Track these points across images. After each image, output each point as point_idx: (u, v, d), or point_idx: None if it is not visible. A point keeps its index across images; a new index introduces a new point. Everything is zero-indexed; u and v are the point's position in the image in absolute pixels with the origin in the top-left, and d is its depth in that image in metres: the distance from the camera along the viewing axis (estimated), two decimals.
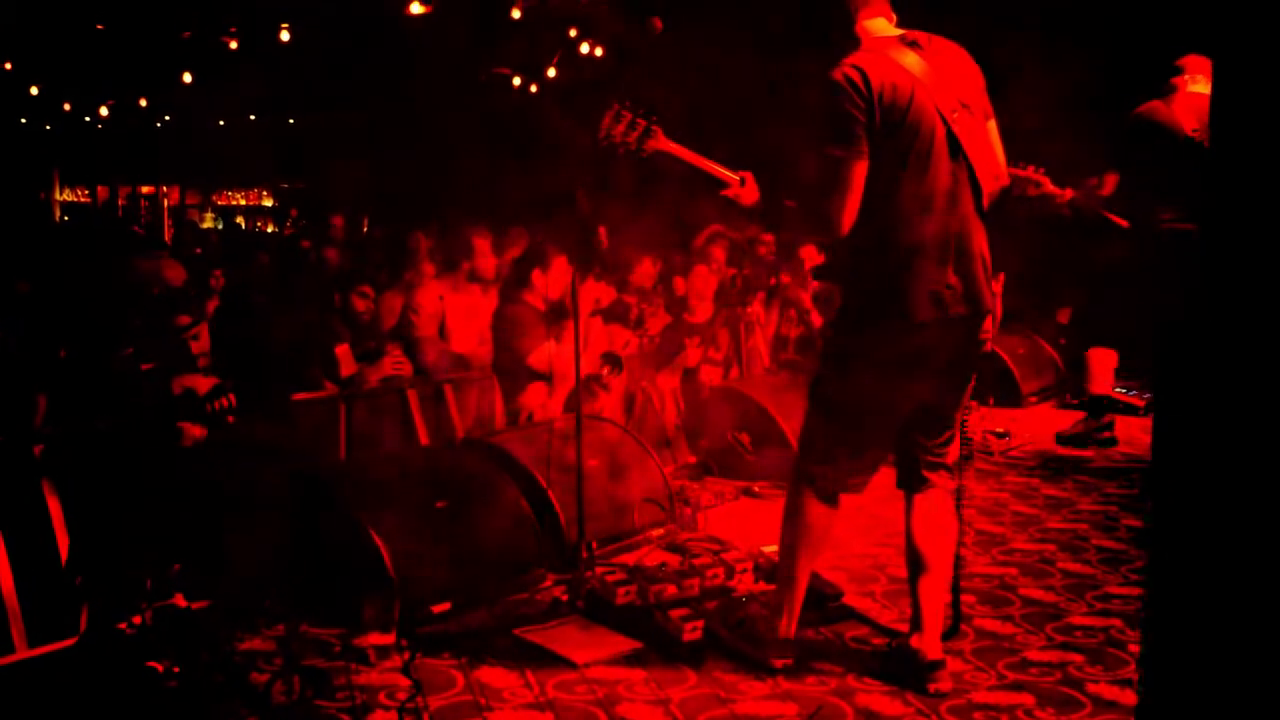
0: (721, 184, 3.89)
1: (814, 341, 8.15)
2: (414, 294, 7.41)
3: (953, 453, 4.04)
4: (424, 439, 6.76)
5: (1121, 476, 6.54)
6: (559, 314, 6.67)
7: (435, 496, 4.65)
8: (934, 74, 3.65)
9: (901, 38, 3.71)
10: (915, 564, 3.98)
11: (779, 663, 3.96)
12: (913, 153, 3.60)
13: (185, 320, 5.00)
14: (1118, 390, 8.59)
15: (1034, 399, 8.62)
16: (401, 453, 5.89)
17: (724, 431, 6.55)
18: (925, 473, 4.01)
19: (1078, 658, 4.08)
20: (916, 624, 3.94)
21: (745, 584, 4.52)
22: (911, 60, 3.64)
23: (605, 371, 6.73)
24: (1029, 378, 8.68)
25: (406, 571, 4.31)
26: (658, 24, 4.29)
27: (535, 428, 5.57)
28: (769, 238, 9.41)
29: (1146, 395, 8.42)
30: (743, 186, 3.87)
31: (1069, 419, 7.97)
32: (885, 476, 6.53)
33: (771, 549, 4.77)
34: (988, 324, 3.78)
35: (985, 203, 3.75)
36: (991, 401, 8.49)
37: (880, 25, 3.75)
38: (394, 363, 6.82)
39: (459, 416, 7.25)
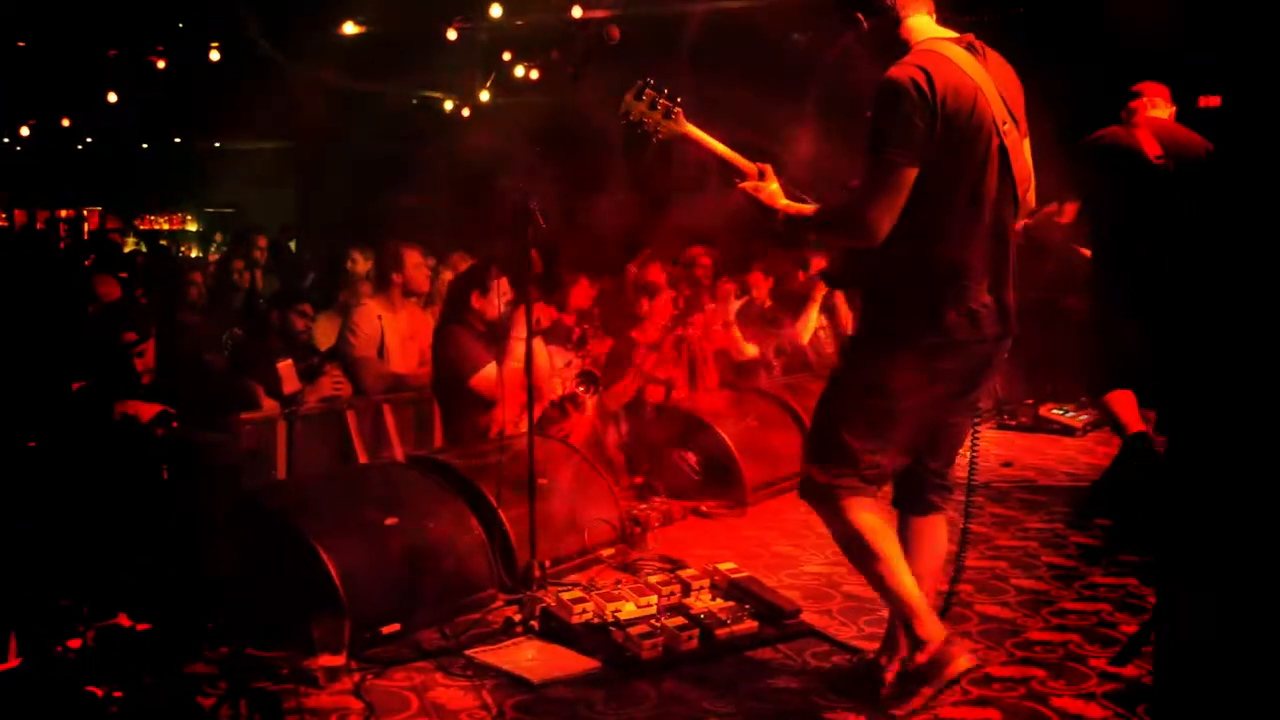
0: (740, 175, 3.74)
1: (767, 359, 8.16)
2: (352, 314, 7.27)
3: (953, 474, 3.94)
4: (363, 460, 6.64)
5: (1065, 495, 6.56)
6: (499, 335, 6.58)
7: (385, 515, 4.53)
8: (991, 83, 3.50)
9: (958, 40, 3.54)
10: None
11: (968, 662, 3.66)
12: (969, 164, 3.45)
13: (131, 337, 4.83)
14: (1054, 413, 8.69)
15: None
16: (350, 471, 5.77)
17: (670, 451, 6.48)
18: (931, 495, 3.89)
19: (1040, 672, 4.05)
20: (891, 645, 3.84)
21: (702, 601, 4.43)
22: (971, 65, 3.48)
23: (581, 390, 6.65)
24: None
25: (356, 591, 4.19)
26: (614, 32, 4.23)
27: (485, 446, 5.47)
28: (707, 260, 9.37)
29: (1084, 418, 8.49)
30: (761, 180, 3.72)
31: (1007, 440, 8.07)
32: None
33: (727, 566, 4.72)
34: (1007, 345, 3.68)
35: (1019, 222, 3.71)
36: None
37: (925, 23, 3.58)
38: (333, 383, 6.70)
39: (398, 437, 7.13)
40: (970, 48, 3.53)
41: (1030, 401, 8.94)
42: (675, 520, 5.96)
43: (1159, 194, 5.35)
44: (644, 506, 5.97)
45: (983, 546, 5.54)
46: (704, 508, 6.17)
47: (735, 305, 8.71)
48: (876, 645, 4.17)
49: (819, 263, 9.39)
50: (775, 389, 7.27)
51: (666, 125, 3.77)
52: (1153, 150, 5.40)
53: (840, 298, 9.32)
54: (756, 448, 6.46)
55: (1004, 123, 3.49)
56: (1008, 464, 7.36)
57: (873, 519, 3.66)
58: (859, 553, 3.68)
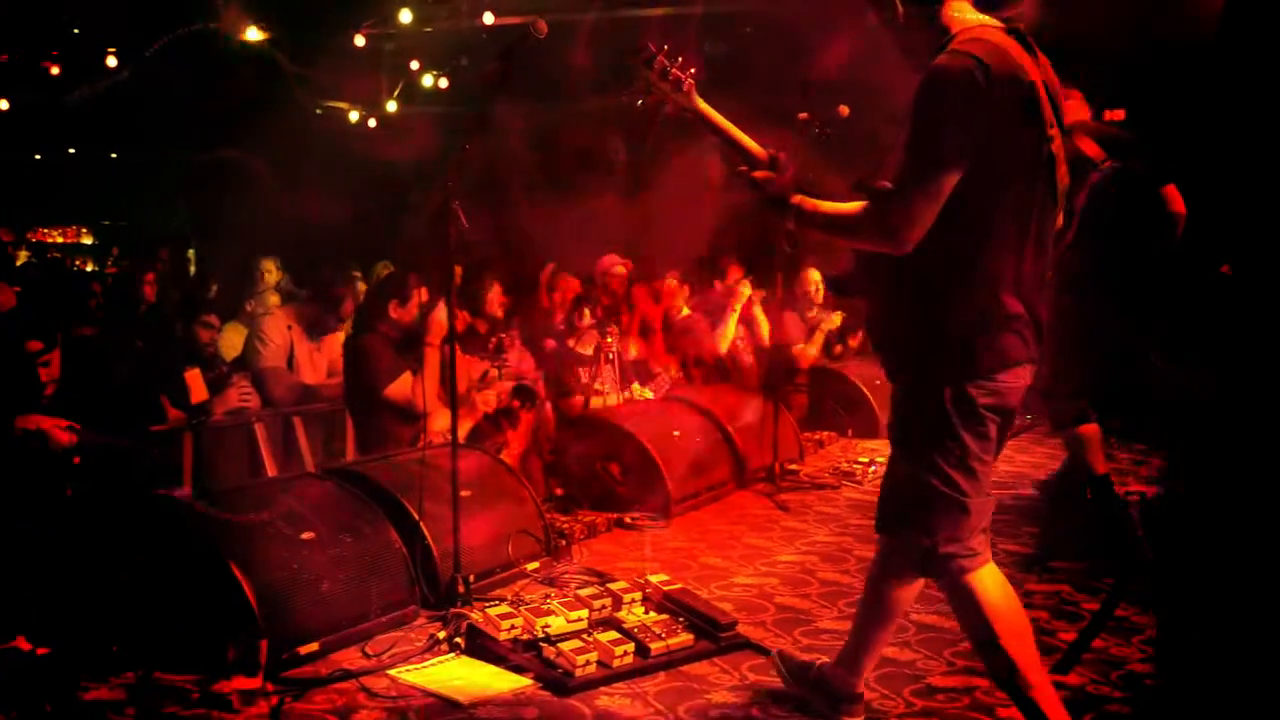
0: (748, 162, 3.41)
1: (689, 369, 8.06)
2: (261, 324, 7.03)
3: None
4: (271, 472, 6.41)
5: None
6: (414, 342, 6.38)
7: (301, 529, 4.31)
8: (1042, 81, 3.15)
9: (1010, 29, 3.16)
10: (885, 613, 3.55)
11: None
12: (1020, 166, 3.11)
13: (37, 346, 4.57)
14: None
15: None
16: (263, 483, 5.52)
17: (592, 462, 6.32)
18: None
19: (982, 682, 3.94)
20: (853, 662, 3.63)
21: (635, 615, 4.27)
22: (1026, 59, 3.11)
23: (516, 405, 6.47)
24: (887, 407, 8.59)
25: (272, 609, 3.97)
26: (543, 26, 4.08)
27: (405, 457, 5.26)
28: (620, 270, 9.25)
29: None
30: (773, 169, 3.37)
31: None
32: (753, 503, 6.49)
33: (658, 578, 4.58)
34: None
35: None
36: (850, 432, 8.49)
37: (968, 10, 3.19)
38: (240, 394, 6.46)
39: (308, 450, 6.91)
40: (1022, 39, 3.16)
41: None
42: (599, 532, 5.80)
43: (1101, 192, 5.33)
44: (567, 518, 5.81)
45: None
46: (628, 519, 6.01)
47: (655, 313, 8.61)
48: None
49: (735, 272, 9.32)
50: (698, 399, 7.13)
51: (675, 98, 3.46)
52: (1095, 153, 5.37)
53: (756, 310, 9.24)
54: (680, 458, 6.33)
55: (1051, 126, 3.16)
56: (870, 463, 7.32)
57: (999, 590, 3.27)
58: (978, 627, 3.25)
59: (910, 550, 3.28)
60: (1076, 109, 5.59)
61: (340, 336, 7.30)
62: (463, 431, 6.46)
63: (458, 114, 12.59)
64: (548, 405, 7.55)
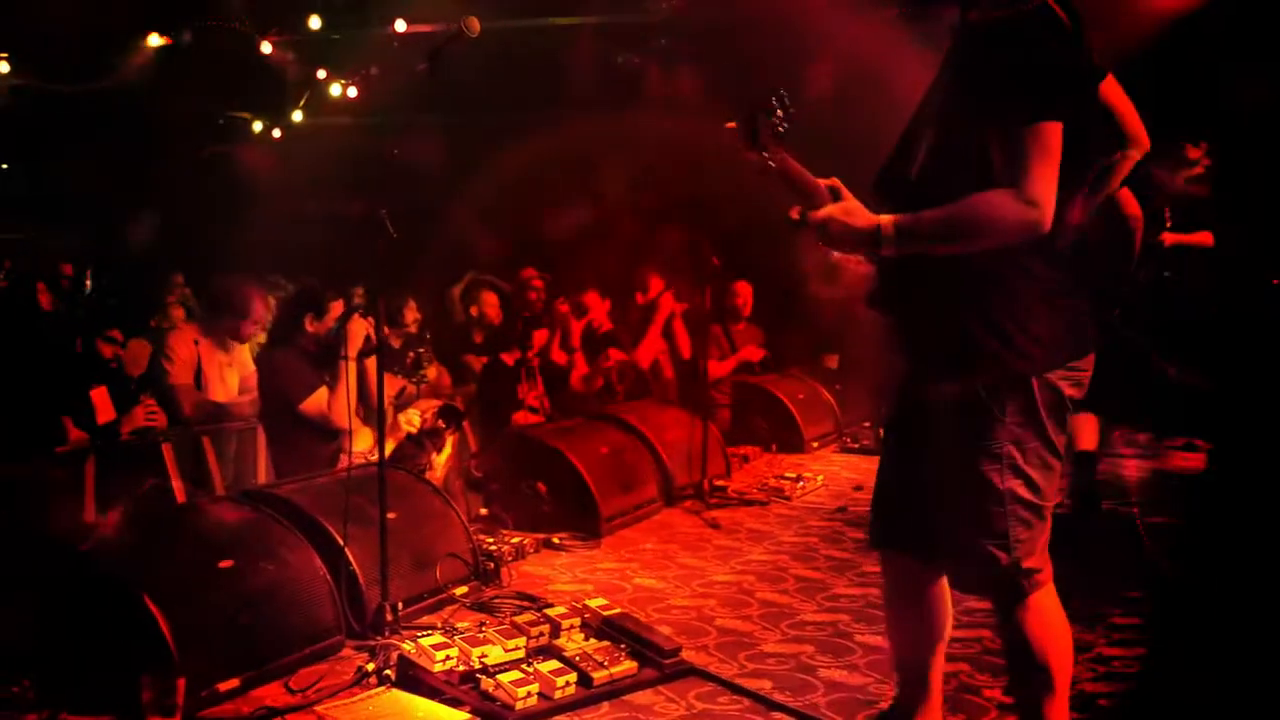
0: (808, 202, 2.96)
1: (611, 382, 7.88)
2: (168, 339, 6.72)
3: None
4: (180, 496, 6.10)
5: None
6: (331, 357, 6.13)
7: (218, 557, 4.05)
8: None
9: None
10: (936, 637, 3.35)
11: None
12: (1088, 135, 2.88)
13: None
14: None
15: (816, 444, 8.50)
16: (176, 508, 5.25)
17: (518, 480, 6.11)
18: None
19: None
20: (923, 697, 3.42)
21: (575, 642, 4.08)
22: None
23: (440, 425, 6.23)
24: (810, 423, 8.56)
25: (189, 644, 3.70)
26: (474, 24, 3.89)
27: (326, 478, 5.02)
28: (539, 283, 9.07)
29: None
30: (836, 200, 2.97)
31: (851, 463, 7.96)
32: (683, 521, 6.33)
33: (597, 603, 4.39)
34: None
35: None
36: (775, 447, 8.38)
37: None
38: (147, 413, 6.15)
39: (219, 470, 6.62)
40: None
41: (869, 424, 8.87)
42: (528, 553, 5.59)
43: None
44: (493, 540, 5.59)
45: (851, 574, 5.33)
46: (556, 539, 5.80)
47: (576, 329, 8.45)
48: (761, 683, 3.92)
49: (657, 284, 9.17)
50: (624, 414, 6.96)
51: (778, 155, 2.89)
52: None
53: (679, 323, 9.10)
54: (609, 475, 6.15)
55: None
56: (858, 488, 7.19)
57: (1060, 617, 3.05)
58: (1032, 666, 3.01)
59: (983, 571, 2.98)
60: None
61: (247, 351, 7.06)
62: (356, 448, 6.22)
63: (366, 124, 12.30)
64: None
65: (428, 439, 6.12)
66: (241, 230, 10.92)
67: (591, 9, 10.18)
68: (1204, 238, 6.78)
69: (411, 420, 6.28)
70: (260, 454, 6.74)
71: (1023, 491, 2.93)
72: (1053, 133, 2.69)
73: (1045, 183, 2.69)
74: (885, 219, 2.88)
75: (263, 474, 6.73)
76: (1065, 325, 2.93)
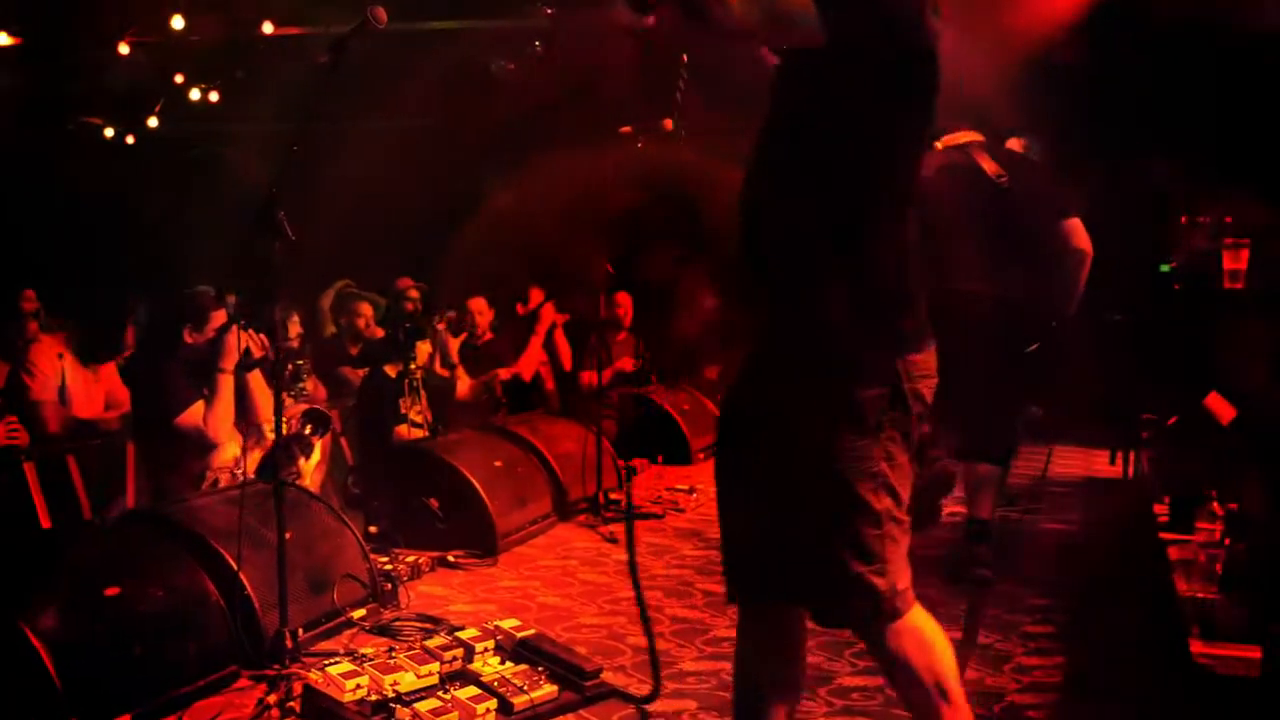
0: None
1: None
2: (28, 352, 6.33)
3: None
4: (44, 519, 5.74)
5: None
6: (208, 369, 5.83)
7: (104, 584, 3.76)
8: None
9: None
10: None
11: None
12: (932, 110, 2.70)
13: None
14: None
15: (702, 455, 8.40)
16: (53, 533, 4.91)
17: (408, 496, 5.87)
18: None
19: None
20: None
21: (491, 666, 3.87)
22: None
23: (308, 431, 5.93)
24: (697, 434, 8.46)
25: (75, 677, 3.42)
26: (381, 15, 3.68)
27: (213, 496, 4.72)
28: (415, 293, 8.84)
29: None
30: None
31: None
32: (579, 536, 6.16)
33: (510, 624, 4.20)
34: None
35: None
36: (661, 459, 8.27)
37: None
38: (8, 431, 5.77)
39: (84, 490, 6.25)
40: None
41: None
42: (424, 572, 5.37)
43: (1000, 210, 5.16)
44: (386, 559, 5.35)
45: None
46: (451, 557, 5.59)
47: (455, 341, 8.24)
48: (685, 703, 3.78)
49: (537, 295, 9.00)
50: (515, 427, 6.76)
51: None
52: (993, 170, 5.20)
53: (560, 334, 8.94)
54: (504, 490, 5.95)
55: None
56: (690, 490, 7.15)
57: (936, 627, 2.75)
58: (918, 684, 2.71)
59: (862, 601, 2.63)
60: (977, 135, 5.41)
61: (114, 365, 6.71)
62: (251, 465, 5.93)
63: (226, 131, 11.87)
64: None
65: (295, 444, 5.83)
66: (94, 241, 10.48)
67: (467, 14, 9.96)
68: None
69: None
70: (129, 472, 6.38)
71: (896, 510, 2.64)
72: None
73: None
74: None
75: (130, 494, 6.38)
76: (924, 319, 2.71)
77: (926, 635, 2.70)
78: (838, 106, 2.57)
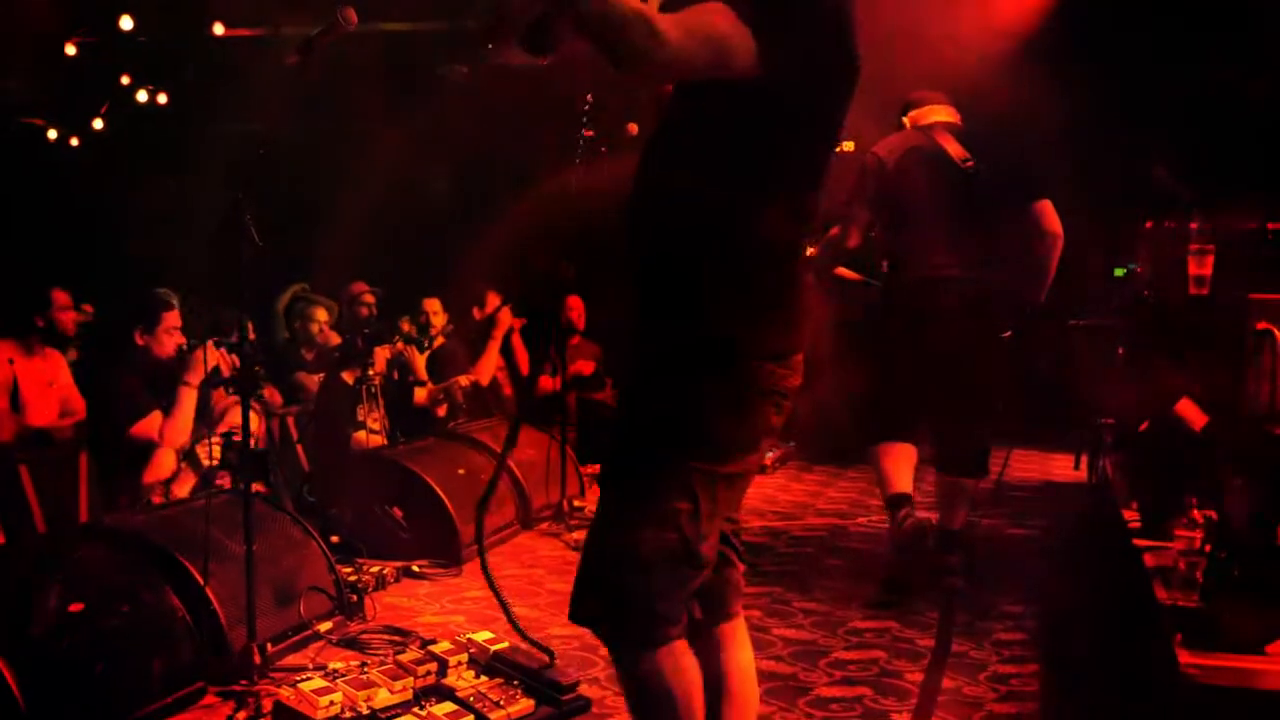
0: None
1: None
2: None
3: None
4: None
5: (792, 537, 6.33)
6: (170, 379, 5.70)
7: (64, 600, 3.65)
8: None
9: None
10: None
11: None
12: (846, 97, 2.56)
13: None
14: None
15: None
16: (11, 548, 4.78)
17: (370, 505, 5.78)
18: (734, 593, 2.78)
19: (867, 690, 3.85)
20: None
21: (466, 680, 3.80)
22: None
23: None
24: None
25: (36, 696, 3.31)
26: (352, 15, 3.60)
27: (177, 508, 4.62)
28: (370, 298, 8.72)
29: (770, 454, 8.35)
30: None
31: None
32: (543, 544, 6.09)
33: (483, 636, 4.13)
34: None
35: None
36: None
37: None
38: None
39: (36, 502, 6.09)
40: None
41: None
42: (389, 583, 5.28)
43: (967, 195, 5.08)
44: (350, 569, 5.26)
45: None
46: (416, 567, 5.51)
47: (420, 358, 8.13)
48: None
49: (494, 299, 8.90)
50: (477, 434, 6.68)
51: None
52: (957, 153, 5.11)
53: (517, 339, 8.87)
54: (468, 499, 5.86)
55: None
56: None
57: (696, 673, 2.57)
58: None
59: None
60: (947, 111, 5.31)
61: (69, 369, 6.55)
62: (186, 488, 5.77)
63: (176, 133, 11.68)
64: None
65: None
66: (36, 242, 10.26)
67: (417, 16, 9.86)
68: None
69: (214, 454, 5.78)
70: (81, 482, 6.23)
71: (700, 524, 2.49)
72: (719, 12, 2.28)
73: (685, 41, 2.19)
74: None
75: (83, 504, 6.23)
76: (802, 311, 2.58)
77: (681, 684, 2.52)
78: (723, 118, 2.44)
